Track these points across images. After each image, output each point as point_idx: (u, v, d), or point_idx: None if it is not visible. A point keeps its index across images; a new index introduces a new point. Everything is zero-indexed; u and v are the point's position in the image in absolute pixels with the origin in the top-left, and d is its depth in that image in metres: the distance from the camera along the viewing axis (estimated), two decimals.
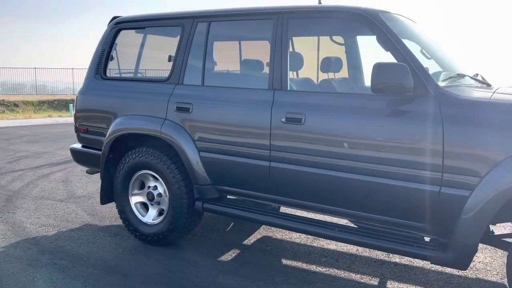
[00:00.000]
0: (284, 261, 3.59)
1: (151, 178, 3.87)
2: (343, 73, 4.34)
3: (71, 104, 19.85)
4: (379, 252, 3.76)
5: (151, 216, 3.91)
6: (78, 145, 4.42)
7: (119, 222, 4.50)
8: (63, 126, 14.57)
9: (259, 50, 3.87)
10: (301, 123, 3.03)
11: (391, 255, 3.69)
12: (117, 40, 4.20)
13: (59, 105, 21.82)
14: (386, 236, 2.93)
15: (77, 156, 4.38)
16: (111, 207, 4.96)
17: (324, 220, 3.64)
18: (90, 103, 4.21)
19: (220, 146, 3.42)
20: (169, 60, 3.80)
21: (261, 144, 3.21)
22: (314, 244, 3.95)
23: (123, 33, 4.21)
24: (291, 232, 4.22)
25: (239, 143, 3.33)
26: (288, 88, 3.20)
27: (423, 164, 2.64)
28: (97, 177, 6.50)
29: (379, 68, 2.64)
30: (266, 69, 3.90)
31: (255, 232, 4.25)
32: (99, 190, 5.78)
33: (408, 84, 2.63)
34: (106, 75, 4.18)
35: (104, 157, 3.99)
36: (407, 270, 3.44)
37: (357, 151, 2.85)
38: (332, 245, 3.94)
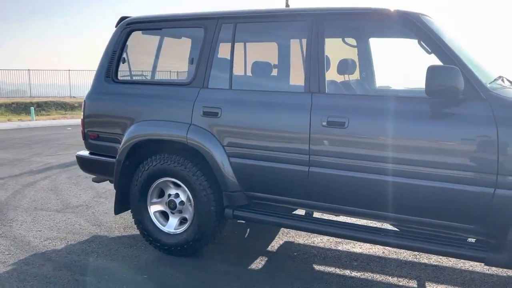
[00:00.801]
0: (317, 267, 3.53)
1: (172, 186, 3.70)
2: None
3: (32, 108, 18.95)
4: (407, 253, 3.77)
5: (172, 225, 3.74)
6: (85, 152, 4.18)
7: (130, 232, 4.30)
8: (28, 131, 13.87)
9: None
10: (344, 126, 2.98)
11: (418, 256, 3.71)
12: (128, 42, 4.00)
13: (18, 108, 20.77)
14: (430, 238, 2.93)
15: (86, 164, 4.14)
16: (116, 216, 4.74)
17: (364, 224, 3.59)
18: (102, 107, 3.98)
19: (252, 151, 3.31)
20: (191, 63, 3.65)
21: (299, 148, 3.14)
22: (340, 248, 3.92)
23: (133, 34, 4.01)
24: (312, 236, 4.17)
25: (273, 148, 3.24)
26: (327, 91, 3.14)
27: (477, 167, 2.65)
28: (88, 185, 6.24)
29: (433, 71, 2.63)
30: (275, 71, 3.85)
31: (275, 238, 4.17)
32: (95, 198, 5.58)
33: (460, 87, 2.64)
34: (118, 78, 3.97)
35: (120, 164, 3.78)
36: (439, 271, 3.46)
37: (405, 155, 2.83)
38: (357, 248, 3.92)
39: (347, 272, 3.43)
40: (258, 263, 3.60)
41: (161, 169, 3.63)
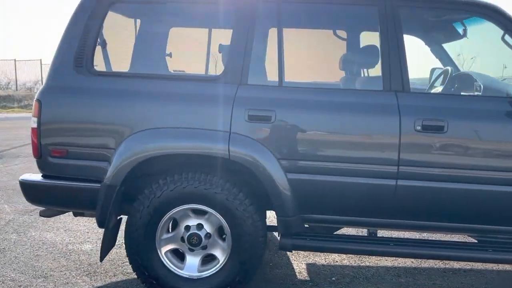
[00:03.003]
0: None
1: (192, 215, 2.78)
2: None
3: None
4: (436, 261, 3.56)
5: (194, 267, 2.81)
6: (35, 176, 2.88)
7: (104, 280, 3.17)
8: None
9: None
10: (443, 131, 2.58)
11: (445, 262, 3.54)
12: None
13: None
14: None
15: (42, 192, 2.85)
16: (58, 259, 3.48)
17: (445, 239, 3.25)
18: (74, 111, 2.76)
19: (319, 164, 2.66)
20: (220, 51, 2.78)
21: (384, 158, 2.63)
22: (368, 264, 3.51)
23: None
24: (328, 254, 3.66)
25: (349, 159, 2.65)
26: (411, 90, 2.69)
27: None
28: None
29: None
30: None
31: (291, 262, 3.54)
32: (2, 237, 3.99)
33: None
34: (95, 69, 2.80)
35: (114, 191, 2.68)
36: (480, 275, 3.34)
37: None
38: (383, 261, 3.57)
39: None
40: None
41: (183, 194, 2.68)
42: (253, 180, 2.77)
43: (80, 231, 4.13)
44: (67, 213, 4.51)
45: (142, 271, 2.78)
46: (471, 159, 2.61)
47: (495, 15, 2.70)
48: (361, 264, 3.51)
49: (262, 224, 2.75)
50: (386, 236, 3.26)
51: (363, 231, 3.95)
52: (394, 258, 3.61)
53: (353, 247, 2.76)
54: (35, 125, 2.76)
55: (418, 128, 2.59)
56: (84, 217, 4.31)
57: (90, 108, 2.74)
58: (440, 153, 2.62)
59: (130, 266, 3.29)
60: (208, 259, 2.85)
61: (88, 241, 3.88)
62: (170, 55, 3.89)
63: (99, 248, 3.65)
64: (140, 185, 2.82)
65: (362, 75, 3.25)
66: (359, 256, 3.63)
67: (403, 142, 2.59)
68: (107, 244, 2.84)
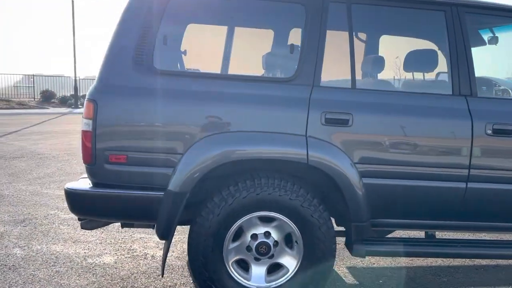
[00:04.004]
0: None
1: (259, 223, 2.64)
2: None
3: None
4: (464, 258, 3.69)
5: (261, 278, 2.67)
6: (82, 184, 2.60)
7: None
8: None
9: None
10: (511, 135, 2.67)
11: (475, 260, 3.69)
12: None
13: None
14: None
15: (93, 202, 2.56)
16: (82, 275, 3.16)
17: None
18: (137, 112, 2.50)
19: (393, 168, 2.65)
20: (292, 52, 2.66)
21: (456, 162, 2.67)
22: (404, 264, 3.56)
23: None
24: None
25: (423, 163, 2.67)
26: (478, 94, 2.75)
27: None
28: None
29: None
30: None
31: None
32: (5, 252, 3.52)
33: None
34: (156, 67, 2.56)
35: (182, 200, 2.47)
36: (510, 271, 3.52)
37: None
38: (415, 261, 3.63)
39: None
40: None
41: (256, 201, 2.54)
42: (319, 185, 2.71)
43: (91, 242, 3.79)
44: (63, 223, 4.23)
45: (209, 284, 2.59)
46: None
47: None
48: (398, 265, 3.55)
49: (334, 231, 2.68)
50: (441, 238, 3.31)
51: (416, 234, 3.96)
52: (425, 257, 3.70)
53: (426, 250, 2.79)
54: (88, 128, 2.47)
55: (489, 132, 2.66)
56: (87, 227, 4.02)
57: (156, 109, 2.50)
58: (509, 156, 2.71)
59: (168, 279, 3.13)
60: (272, 268, 2.73)
61: (106, 253, 3.56)
62: (184, 52, 3.69)
63: (122, 260, 3.44)
64: (198, 192, 2.64)
65: (412, 78, 3.27)
66: (393, 257, 3.67)
67: (475, 145, 2.65)
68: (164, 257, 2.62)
